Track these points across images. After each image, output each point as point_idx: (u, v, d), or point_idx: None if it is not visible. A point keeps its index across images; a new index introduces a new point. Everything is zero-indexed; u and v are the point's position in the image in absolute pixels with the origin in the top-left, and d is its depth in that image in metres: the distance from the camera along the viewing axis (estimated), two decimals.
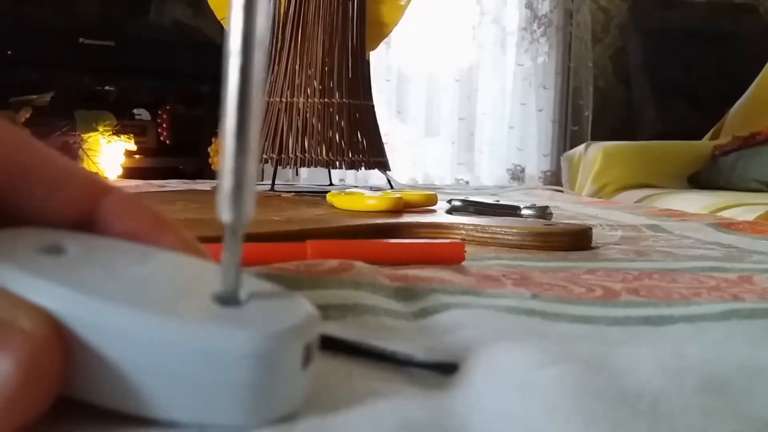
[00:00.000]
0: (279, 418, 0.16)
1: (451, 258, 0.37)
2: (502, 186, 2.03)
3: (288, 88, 0.86)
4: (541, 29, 2.85)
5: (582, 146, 2.27)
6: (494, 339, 0.22)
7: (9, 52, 1.97)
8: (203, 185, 1.02)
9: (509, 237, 0.45)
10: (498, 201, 0.61)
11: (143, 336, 0.15)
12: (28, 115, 1.93)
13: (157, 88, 2.23)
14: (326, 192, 0.63)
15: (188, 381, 0.15)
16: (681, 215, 0.70)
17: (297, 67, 0.86)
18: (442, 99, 2.82)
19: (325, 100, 0.86)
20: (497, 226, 0.46)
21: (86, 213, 0.19)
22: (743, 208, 1.45)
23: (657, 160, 2.12)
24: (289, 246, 0.36)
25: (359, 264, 0.32)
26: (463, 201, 0.60)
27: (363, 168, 0.90)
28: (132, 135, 2.11)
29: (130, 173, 2.03)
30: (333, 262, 0.32)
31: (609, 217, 0.68)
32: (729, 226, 0.58)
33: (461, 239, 0.45)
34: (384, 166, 0.93)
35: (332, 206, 0.59)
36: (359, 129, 0.89)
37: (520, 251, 0.43)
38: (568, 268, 0.37)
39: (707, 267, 0.38)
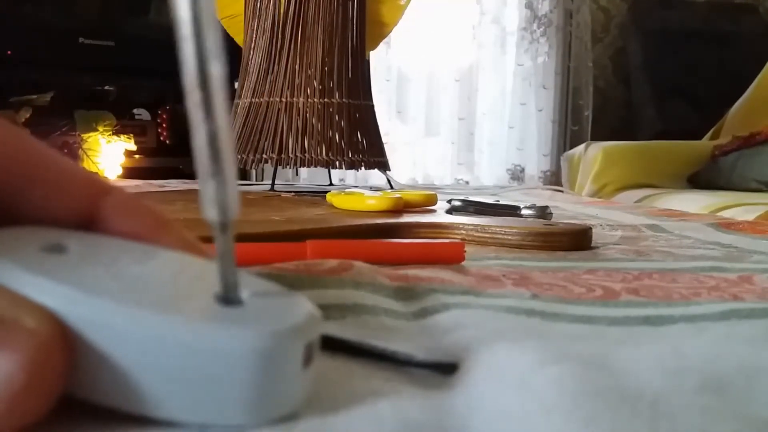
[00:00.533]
0: (280, 418, 0.16)
1: (451, 258, 0.37)
2: (502, 186, 2.03)
3: (288, 88, 0.86)
4: (541, 29, 2.85)
5: (582, 146, 2.27)
6: (494, 339, 0.22)
7: (9, 52, 1.97)
8: None
9: (509, 237, 0.45)
10: (498, 201, 0.61)
11: (145, 334, 0.15)
12: (28, 115, 1.93)
13: (157, 88, 2.23)
14: (326, 192, 0.63)
15: (190, 380, 0.15)
16: (681, 215, 0.70)
17: (297, 67, 0.86)
18: (442, 99, 2.82)
19: (325, 100, 0.86)
20: (497, 226, 0.46)
21: (87, 213, 0.19)
22: (743, 208, 1.45)
23: (657, 160, 2.12)
24: (289, 246, 0.36)
25: (359, 264, 0.32)
26: (463, 201, 0.60)
27: (363, 168, 0.90)
28: (132, 135, 2.11)
29: (130, 173, 2.03)
30: (333, 262, 0.32)
31: (609, 217, 0.68)
32: (729, 226, 0.58)
33: (461, 239, 0.45)
34: (384, 166, 0.93)
35: (332, 206, 0.59)
36: (359, 129, 0.89)
37: (520, 251, 0.43)
38: (568, 268, 0.37)
39: (707, 267, 0.38)
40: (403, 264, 0.36)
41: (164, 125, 2.24)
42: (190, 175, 2.08)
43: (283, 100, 0.86)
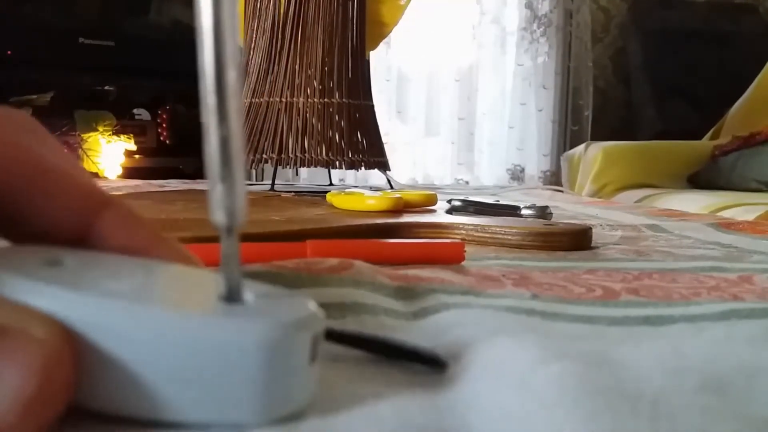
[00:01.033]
0: (285, 417, 0.16)
1: (450, 258, 0.37)
2: (501, 186, 2.03)
3: (288, 88, 0.86)
4: (541, 29, 2.85)
5: (582, 146, 2.27)
6: (494, 338, 0.22)
7: (9, 52, 1.97)
8: (203, 185, 1.02)
9: (509, 237, 0.45)
10: (498, 201, 0.61)
11: (151, 332, 0.15)
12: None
13: (156, 88, 2.23)
14: (326, 192, 0.63)
15: (195, 377, 0.15)
16: (681, 215, 0.70)
17: (297, 67, 0.86)
18: (442, 99, 2.82)
19: (325, 100, 0.86)
20: (497, 226, 0.46)
21: (85, 225, 0.19)
22: (743, 208, 1.45)
23: (657, 160, 2.12)
24: (289, 246, 0.36)
25: (359, 263, 0.32)
26: (462, 201, 0.60)
27: (363, 168, 0.90)
28: (132, 135, 2.11)
29: (130, 173, 2.03)
30: (333, 261, 0.32)
31: (609, 217, 0.68)
32: (729, 225, 0.58)
33: (461, 239, 0.45)
34: (384, 166, 0.93)
35: (332, 206, 0.58)
36: (359, 129, 0.89)
37: (520, 251, 0.43)
38: (568, 268, 0.37)
39: (707, 267, 0.38)
40: (403, 264, 0.36)
41: (164, 125, 2.24)
42: (190, 174, 2.09)
43: (283, 100, 0.86)
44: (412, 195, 0.60)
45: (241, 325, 0.16)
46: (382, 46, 1.34)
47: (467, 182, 2.77)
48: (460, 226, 0.47)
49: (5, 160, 0.18)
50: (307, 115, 0.85)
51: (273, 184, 0.92)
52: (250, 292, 0.17)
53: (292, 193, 0.80)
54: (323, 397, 0.17)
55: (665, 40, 2.69)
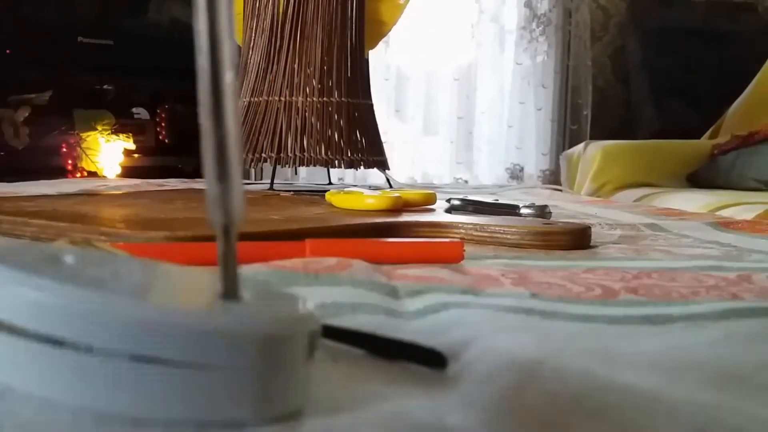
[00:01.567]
0: (283, 416, 0.16)
1: (450, 257, 0.37)
2: (501, 185, 2.03)
3: (287, 87, 0.86)
4: (540, 28, 2.85)
5: (581, 145, 2.27)
6: (493, 338, 0.22)
7: (8, 51, 1.97)
8: (202, 184, 1.02)
9: (508, 236, 0.45)
10: (497, 200, 0.61)
11: (148, 329, 0.15)
12: (27, 114, 1.93)
13: (155, 87, 2.23)
14: (325, 191, 0.63)
15: (194, 374, 0.15)
16: (680, 214, 0.70)
17: (296, 66, 0.86)
18: (441, 98, 2.81)
19: (324, 99, 0.86)
20: (496, 225, 0.46)
21: None
22: (742, 207, 1.44)
23: (656, 159, 2.11)
24: (288, 245, 0.36)
25: (358, 262, 0.32)
26: (462, 200, 0.59)
27: (362, 167, 0.90)
28: (131, 134, 2.11)
29: (128, 172, 2.03)
30: (331, 260, 0.32)
31: (608, 216, 0.68)
32: (728, 225, 0.58)
33: (460, 238, 0.45)
34: (383, 165, 0.93)
35: (331, 205, 0.58)
36: (358, 128, 0.89)
37: (519, 250, 0.43)
38: (567, 267, 0.37)
39: (706, 266, 0.38)
40: (402, 263, 0.36)
41: (163, 124, 2.24)
42: (189, 174, 2.08)
43: (282, 99, 0.86)
44: (411, 194, 0.60)
45: (238, 321, 0.16)
46: (380, 45, 1.34)
47: (466, 181, 2.77)
48: (459, 225, 0.47)
49: None
50: (306, 114, 0.85)
51: (272, 183, 0.92)
52: (248, 290, 0.17)
53: (291, 192, 0.80)
54: (323, 397, 0.17)
55: (664, 39, 2.69)
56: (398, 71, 2.77)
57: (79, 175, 1.95)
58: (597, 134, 2.69)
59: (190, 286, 0.18)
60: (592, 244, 0.46)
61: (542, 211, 0.55)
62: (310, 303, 0.18)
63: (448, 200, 0.61)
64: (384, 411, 0.17)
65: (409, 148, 2.80)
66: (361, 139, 0.89)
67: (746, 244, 0.48)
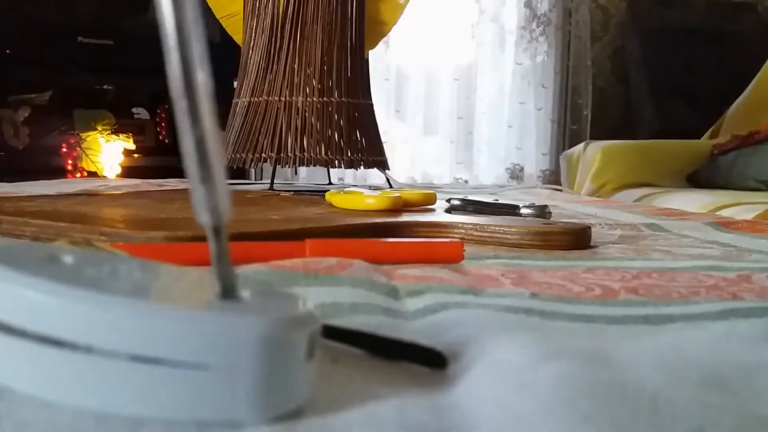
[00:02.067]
0: (283, 415, 0.16)
1: (450, 257, 0.37)
2: (501, 185, 2.03)
3: (287, 87, 0.86)
4: (540, 28, 2.85)
5: (581, 145, 2.27)
6: (493, 338, 0.22)
7: (8, 51, 1.97)
8: None
9: (508, 236, 0.45)
10: (497, 200, 0.61)
11: (148, 329, 0.15)
12: (27, 114, 1.93)
13: (155, 86, 2.22)
14: (325, 191, 0.63)
15: (193, 374, 0.15)
16: (680, 214, 0.70)
17: (296, 66, 0.86)
18: (441, 98, 2.81)
19: (324, 99, 0.86)
20: (496, 225, 0.46)
21: None
22: (742, 207, 1.44)
23: (656, 159, 2.11)
24: (288, 245, 0.36)
25: (358, 262, 0.32)
26: (462, 200, 0.59)
27: (362, 167, 0.90)
28: (131, 134, 2.11)
29: (128, 172, 2.03)
30: (331, 260, 0.32)
31: (608, 216, 0.68)
32: (728, 225, 0.58)
33: (460, 238, 0.45)
34: (383, 165, 0.93)
35: (331, 205, 0.58)
36: (358, 128, 0.89)
37: (519, 250, 0.43)
38: (567, 267, 0.37)
39: (706, 266, 0.38)
40: (402, 263, 0.36)
41: (163, 124, 2.24)
42: None
43: (282, 99, 0.86)
44: (411, 194, 0.60)
45: (237, 320, 0.16)
46: (381, 44, 1.34)
47: (466, 181, 2.77)
48: (459, 225, 0.47)
49: None
50: (306, 114, 0.85)
51: (272, 183, 0.92)
52: (247, 290, 0.17)
53: (291, 192, 0.80)
54: (323, 397, 0.17)
55: (664, 38, 2.69)
56: (398, 71, 2.77)
57: (79, 175, 1.95)
58: (597, 134, 2.69)
59: (190, 286, 0.18)
60: (592, 244, 0.46)
61: (542, 211, 0.55)
62: (310, 303, 0.18)
63: (448, 200, 0.61)
64: (384, 411, 0.17)
65: (409, 148, 2.80)
66: (361, 139, 0.89)
67: (746, 244, 0.48)
